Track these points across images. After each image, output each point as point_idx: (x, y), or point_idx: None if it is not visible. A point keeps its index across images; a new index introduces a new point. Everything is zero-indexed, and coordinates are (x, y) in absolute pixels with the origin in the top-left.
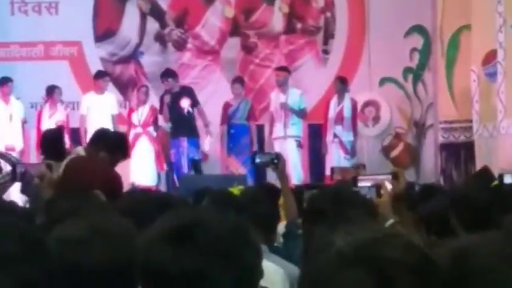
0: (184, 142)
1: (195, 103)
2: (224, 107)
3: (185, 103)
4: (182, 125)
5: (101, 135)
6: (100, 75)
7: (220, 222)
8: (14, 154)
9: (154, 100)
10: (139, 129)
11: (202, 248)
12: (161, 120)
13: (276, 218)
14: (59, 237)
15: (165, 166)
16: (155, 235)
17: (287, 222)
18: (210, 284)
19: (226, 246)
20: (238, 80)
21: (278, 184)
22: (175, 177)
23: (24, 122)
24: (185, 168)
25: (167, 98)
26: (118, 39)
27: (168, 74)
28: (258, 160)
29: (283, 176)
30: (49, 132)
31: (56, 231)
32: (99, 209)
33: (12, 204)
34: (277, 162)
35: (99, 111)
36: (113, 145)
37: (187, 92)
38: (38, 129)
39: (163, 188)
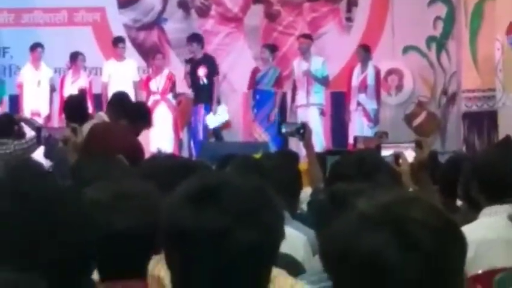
0: (202, 109)
1: (212, 73)
2: (253, 71)
3: (201, 72)
4: (200, 93)
5: (120, 102)
6: (116, 41)
7: (242, 184)
8: (39, 119)
9: (177, 67)
10: (157, 96)
11: (225, 208)
12: (185, 86)
13: (298, 185)
14: (86, 200)
15: (183, 133)
16: (179, 197)
17: (312, 190)
18: (234, 243)
19: (248, 206)
20: (268, 46)
21: (299, 151)
22: (192, 144)
23: (52, 89)
24: (200, 135)
25: (187, 67)
26: (142, 5)
27: (194, 38)
28: (284, 130)
29: (309, 145)
30: (72, 97)
31: (83, 194)
32: (123, 173)
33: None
34: (303, 132)
35: (120, 78)
36: (135, 114)
37: (207, 60)
38: (61, 95)
39: (185, 154)
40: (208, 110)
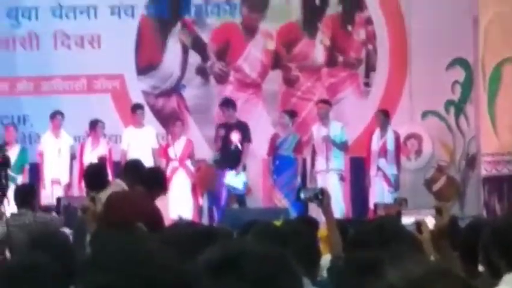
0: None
1: (245, 139)
2: (272, 137)
3: (235, 137)
4: (228, 158)
5: (135, 168)
6: (135, 108)
7: (262, 252)
8: (59, 187)
9: (195, 133)
10: (175, 163)
11: (245, 276)
12: (205, 152)
13: (318, 252)
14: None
15: (202, 199)
16: (202, 266)
17: (332, 256)
18: None
19: (268, 274)
20: (287, 112)
21: (319, 217)
22: (214, 210)
23: (72, 157)
24: (223, 201)
25: (221, 131)
26: (160, 72)
27: (228, 103)
28: (303, 196)
29: (328, 211)
30: (92, 165)
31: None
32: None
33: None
34: (322, 197)
35: (139, 145)
36: (151, 180)
37: (241, 127)
38: (81, 162)
39: (204, 220)
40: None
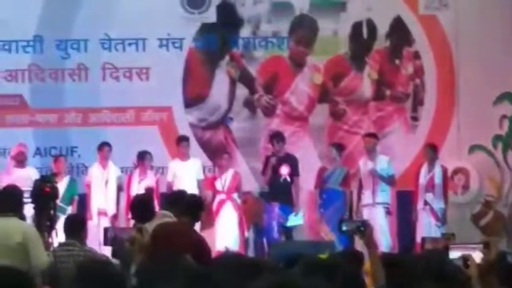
0: (276, 208)
1: (294, 173)
2: (319, 170)
3: (284, 170)
4: (277, 191)
5: (180, 199)
6: (179, 140)
7: (309, 286)
8: (106, 219)
9: (242, 165)
10: (223, 196)
11: None
12: (251, 185)
13: (363, 285)
14: None
15: (248, 232)
16: None
17: None
18: None
19: None
20: (335, 145)
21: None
22: (265, 242)
23: (119, 188)
24: (275, 234)
25: (273, 160)
26: (208, 104)
27: (279, 137)
28: (344, 228)
29: (370, 243)
30: (139, 197)
31: None
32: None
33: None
34: (364, 229)
35: (185, 177)
36: (195, 211)
37: (291, 160)
38: (128, 194)
39: (250, 253)
40: (285, 209)
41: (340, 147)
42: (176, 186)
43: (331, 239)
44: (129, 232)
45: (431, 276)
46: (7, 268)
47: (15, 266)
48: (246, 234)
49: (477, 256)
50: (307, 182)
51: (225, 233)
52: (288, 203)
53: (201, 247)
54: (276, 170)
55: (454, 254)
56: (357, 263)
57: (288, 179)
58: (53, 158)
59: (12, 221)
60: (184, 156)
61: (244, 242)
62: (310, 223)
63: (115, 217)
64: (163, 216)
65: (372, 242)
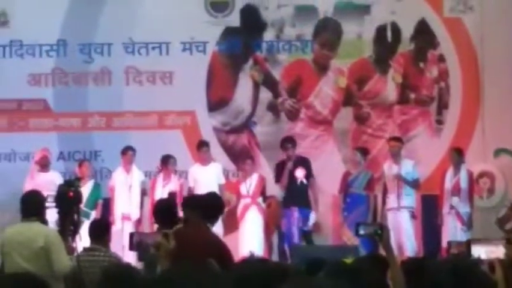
0: (296, 212)
1: (309, 174)
2: (344, 175)
3: (300, 173)
4: (295, 195)
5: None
6: (199, 146)
7: None
8: (130, 223)
9: (266, 169)
10: (247, 200)
11: None
12: (275, 189)
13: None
14: None
15: (272, 236)
16: None
17: None
18: None
19: None
20: (360, 149)
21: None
22: (286, 247)
23: (143, 193)
24: (296, 239)
25: (290, 165)
26: (231, 108)
27: (290, 141)
28: (362, 232)
29: (388, 246)
30: (162, 201)
31: None
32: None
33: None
34: (381, 233)
35: (206, 182)
36: (215, 215)
37: (304, 162)
38: (152, 198)
39: (274, 257)
40: (304, 212)
41: (365, 151)
42: (197, 191)
43: (354, 243)
44: (154, 237)
45: (457, 282)
46: (24, 275)
47: (32, 272)
48: (271, 238)
49: (500, 251)
50: (331, 186)
51: (250, 238)
52: (307, 206)
53: (224, 252)
54: (290, 174)
55: (476, 249)
56: (381, 268)
57: (305, 181)
58: (78, 162)
59: (35, 226)
60: (205, 161)
61: (269, 247)
62: (334, 227)
63: (138, 222)
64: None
65: (390, 246)
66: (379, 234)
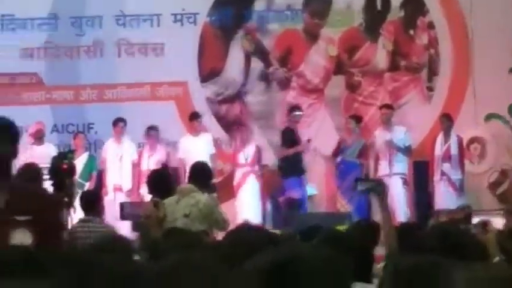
0: (291, 181)
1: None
2: (338, 142)
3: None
4: (300, 163)
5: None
6: (192, 117)
7: (313, 257)
8: (122, 194)
9: (259, 139)
10: (246, 168)
11: (295, 284)
12: (269, 158)
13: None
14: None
15: (267, 204)
16: (250, 272)
17: (386, 253)
18: None
19: (318, 280)
20: (354, 117)
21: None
22: (282, 215)
23: (135, 164)
24: (291, 206)
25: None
26: (223, 78)
27: (301, 108)
28: (360, 187)
29: (384, 203)
30: (157, 171)
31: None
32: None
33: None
34: (379, 188)
35: (197, 152)
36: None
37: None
38: (138, 169)
39: (268, 225)
40: (298, 181)
41: (359, 119)
42: (189, 162)
43: (347, 210)
44: (144, 207)
45: (445, 247)
46: (16, 247)
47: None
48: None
49: (498, 222)
50: (323, 154)
51: (248, 206)
52: (301, 174)
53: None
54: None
55: (476, 221)
56: (373, 234)
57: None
58: (73, 134)
59: None
60: (195, 131)
61: (263, 215)
62: (327, 195)
63: (130, 192)
64: (183, 190)
65: (386, 202)
66: (378, 189)
